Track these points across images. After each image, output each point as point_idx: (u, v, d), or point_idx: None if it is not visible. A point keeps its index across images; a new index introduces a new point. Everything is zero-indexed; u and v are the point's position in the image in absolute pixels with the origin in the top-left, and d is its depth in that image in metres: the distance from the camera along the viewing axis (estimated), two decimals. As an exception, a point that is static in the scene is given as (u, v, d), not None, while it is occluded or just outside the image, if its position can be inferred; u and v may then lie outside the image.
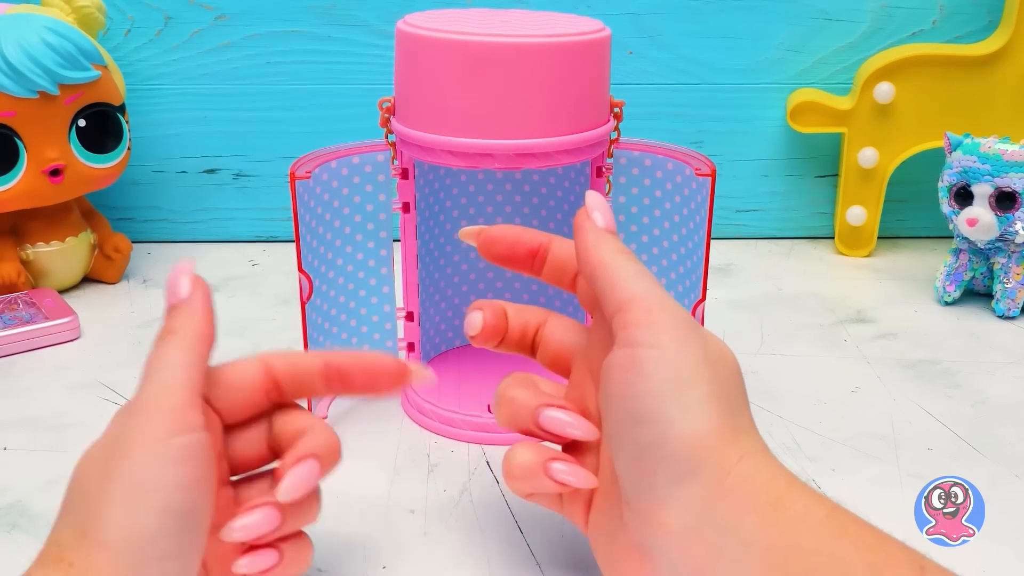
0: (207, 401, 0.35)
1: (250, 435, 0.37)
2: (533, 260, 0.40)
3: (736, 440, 0.32)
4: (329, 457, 0.35)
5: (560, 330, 0.40)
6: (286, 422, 0.37)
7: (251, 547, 0.35)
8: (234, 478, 0.37)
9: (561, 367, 0.40)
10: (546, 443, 0.38)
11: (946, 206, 0.66)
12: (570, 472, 0.36)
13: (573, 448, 0.38)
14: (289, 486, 0.34)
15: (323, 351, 0.38)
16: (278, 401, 0.37)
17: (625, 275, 0.35)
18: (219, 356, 0.36)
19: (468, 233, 0.41)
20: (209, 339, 0.35)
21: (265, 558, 0.35)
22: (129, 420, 0.32)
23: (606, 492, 0.36)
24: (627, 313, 0.34)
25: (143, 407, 0.33)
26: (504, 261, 0.41)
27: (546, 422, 0.37)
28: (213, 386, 0.35)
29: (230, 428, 0.37)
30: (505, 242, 0.40)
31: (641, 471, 0.32)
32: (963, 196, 0.65)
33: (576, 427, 0.36)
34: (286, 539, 0.36)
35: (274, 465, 0.37)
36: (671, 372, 0.32)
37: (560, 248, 0.40)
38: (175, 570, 0.31)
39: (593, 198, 0.38)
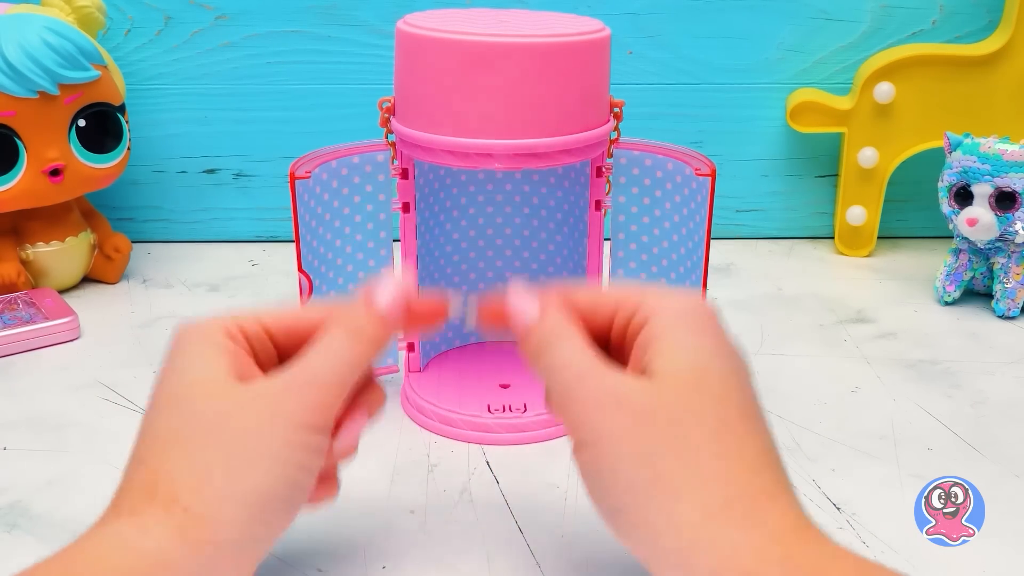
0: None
1: None
2: None
3: (686, 506, 0.30)
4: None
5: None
6: None
7: None
8: None
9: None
10: None
11: (946, 206, 0.66)
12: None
13: None
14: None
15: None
16: None
17: (549, 378, 0.34)
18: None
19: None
20: (374, 357, 0.36)
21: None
22: (287, 385, 0.33)
23: None
24: (561, 414, 0.34)
25: (306, 379, 0.33)
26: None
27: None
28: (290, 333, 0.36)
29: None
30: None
31: (626, 546, 0.33)
32: (963, 196, 0.65)
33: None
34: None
35: None
36: (599, 469, 0.32)
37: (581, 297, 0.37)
38: (276, 534, 0.34)
39: (513, 295, 0.36)
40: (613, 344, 0.36)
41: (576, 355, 0.34)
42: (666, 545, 0.30)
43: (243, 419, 0.32)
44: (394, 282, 0.36)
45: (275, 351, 0.36)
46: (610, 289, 0.37)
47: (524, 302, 0.36)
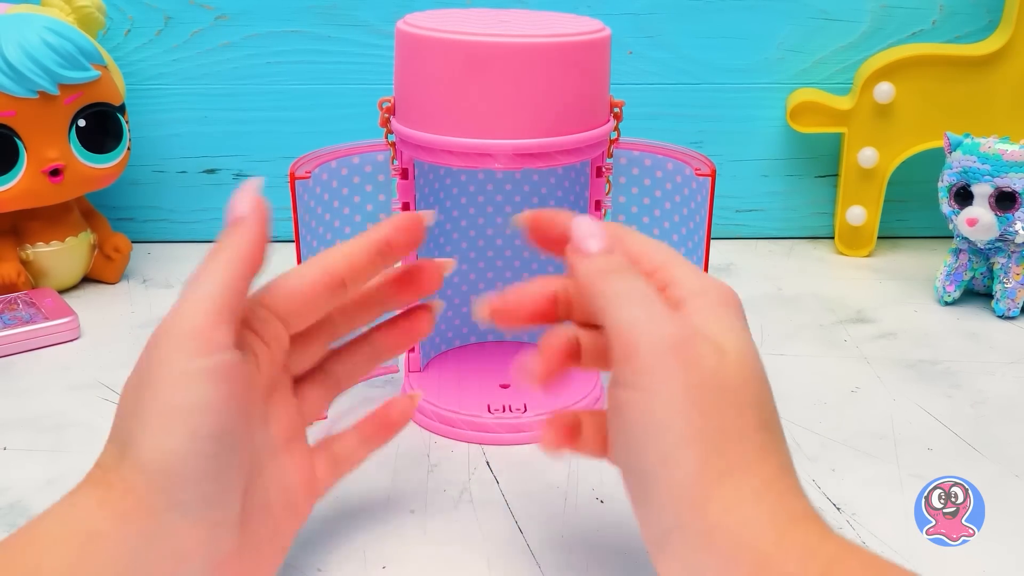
0: (269, 312, 0.36)
1: (315, 344, 0.39)
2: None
3: (721, 486, 0.30)
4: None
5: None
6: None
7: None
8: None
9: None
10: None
11: (946, 206, 0.66)
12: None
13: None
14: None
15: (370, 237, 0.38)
16: (344, 299, 0.38)
17: (613, 303, 0.32)
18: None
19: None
20: (254, 261, 0.34)
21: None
22: (159, 339, 0.32)
23: None
24: (612, 348, 0.32)
25: (172, 326, 0.32)
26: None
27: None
28: (275, 296, 0.36)
29: (298, 337, 0.37)
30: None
31: (642, 516, 0.32)
32: (963, 196, 0.65)
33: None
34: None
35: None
36: (644, 418, 0.31)
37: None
38: (214, 492, 0.32)
39: (580, 227, 0.35)
40: None
41: (650, 293, 0.33)
42: (693, 515, 0.30)
43: (144, 389, 0.32)
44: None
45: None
46: (647, 246, 0.36)
47: (591, 228, 0.35)
